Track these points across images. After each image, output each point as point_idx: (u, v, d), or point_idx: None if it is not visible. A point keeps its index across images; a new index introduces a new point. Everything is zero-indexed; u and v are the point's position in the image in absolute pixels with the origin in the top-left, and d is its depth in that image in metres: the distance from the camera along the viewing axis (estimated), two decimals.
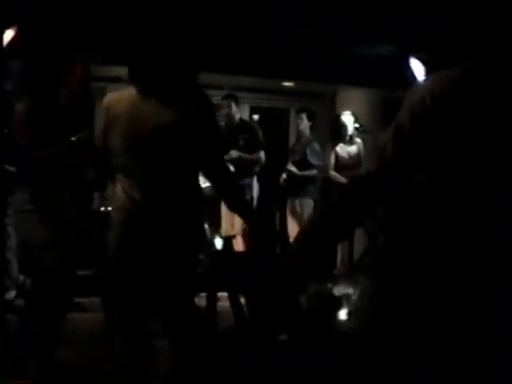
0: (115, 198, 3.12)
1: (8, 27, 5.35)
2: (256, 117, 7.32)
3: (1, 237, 4.42)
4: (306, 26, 6.86)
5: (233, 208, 3.57)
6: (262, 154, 7.31)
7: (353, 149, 7.94)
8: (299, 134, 7.99)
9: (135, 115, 3.02)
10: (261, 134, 7.30)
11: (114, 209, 3.18)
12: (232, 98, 7.49)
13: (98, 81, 8.40)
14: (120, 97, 3.16)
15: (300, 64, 7.89)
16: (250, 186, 7.20)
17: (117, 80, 7.67)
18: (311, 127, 7.90)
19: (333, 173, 7.83)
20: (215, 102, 6.83)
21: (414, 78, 7.56)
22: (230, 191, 3.35)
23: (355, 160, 7.89)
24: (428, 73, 7.49)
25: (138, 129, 3.00)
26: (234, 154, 7.05)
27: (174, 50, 3.11)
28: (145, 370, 3.09)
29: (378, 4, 6.34)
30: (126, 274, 3.06)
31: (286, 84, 9.39)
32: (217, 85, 8.63)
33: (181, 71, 3.13)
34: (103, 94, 9.04)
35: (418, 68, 7.57)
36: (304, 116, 7.88)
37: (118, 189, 3.09)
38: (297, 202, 7.78)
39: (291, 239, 7.93)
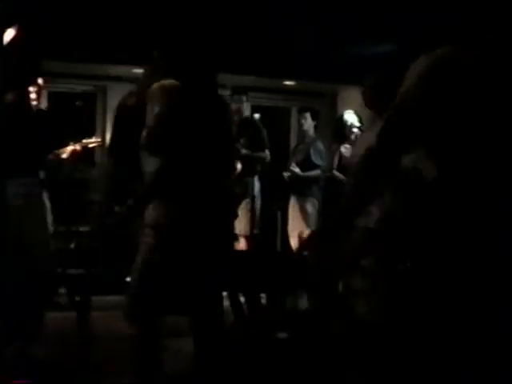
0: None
1: (8, 26, 5.36)
2: (257, 116, 7.30)
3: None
4: (307, 26, 6.86)
5: None
6: (268, 153, 7.34)
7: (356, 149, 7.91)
8: (303, 133, 7.97)
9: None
10: (265, 133, 7.30)
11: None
12: (244, 92, 7.49)
13: (99, 80, 8.44)
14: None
15: (301, 63, 7.88)
16: (252, 185, 7.19)
17: (118, 79, 7.67)
18: (315, 127, 7.90)
19: (336, 173, 7.80)
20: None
21: None
22: None
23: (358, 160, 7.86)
24: None
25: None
26: (242, 151, 7.07)
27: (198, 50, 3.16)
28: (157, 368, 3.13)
29: (379, 4, 6.33)
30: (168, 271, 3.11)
31: (287, 83, 9.38)
32: (219, 84, 8.63)
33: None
34: (104, 93, 9.12)
35: None
36: (308, 115, 7.86)
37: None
38: (300, 202, 7.78)
39: (291, 238, 7.95)
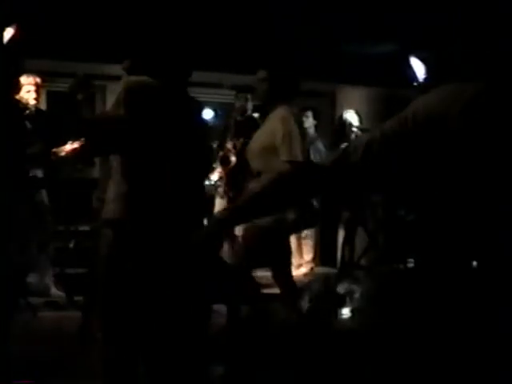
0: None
1: (8, 25, 5.36)
2: (256, 115, 7.29)
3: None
4: (306, 25, 6.86)
5: None
6: None
7: None
8: (304, 131, 7.97)
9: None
10: None
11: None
12: (250, 91, 7.46)
13: (98, 79, 8.42)
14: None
15: (300, 62, 7.89)
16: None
17: (118, 79, 7.65)
18: (316, 126, 7.92)
19: None
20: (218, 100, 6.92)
21: (414, 76, 7.57)
22: None
23: None
24: (428, 72, 7.50)
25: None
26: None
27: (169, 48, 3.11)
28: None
29: (379, 3, 6.34)
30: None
31: None
32: (216, 83, 8.63)
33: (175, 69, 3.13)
34: (103, 92, 9.10)
35: (418, 67, 7.57)
36: (310, 114, 7.89)
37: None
38: None
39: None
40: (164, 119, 2.97)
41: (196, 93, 9.49)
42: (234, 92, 7.39)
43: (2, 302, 3.74)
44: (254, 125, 7.43)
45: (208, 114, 7.44)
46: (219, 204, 6.83)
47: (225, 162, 6.80)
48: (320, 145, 7.82)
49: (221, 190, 6.81)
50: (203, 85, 8.75)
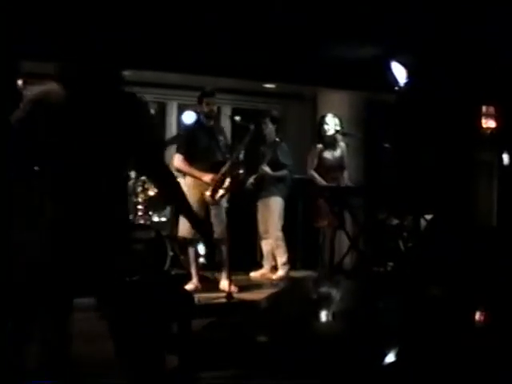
0: None
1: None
2: (238, 118, 7.29)
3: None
4: (288, 28, 6.88)
5: (179, 211, 3.62)
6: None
7: (337, 152, 8.02)
8: (264, 137, 8.09)
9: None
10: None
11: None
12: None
13: None
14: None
15: (281, 66, 7.91)
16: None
17: None
18: (276, 130, 8.09)
19: (311, 172, 7.90)
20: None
21: (395, 80, 7.61)
22: (174, 193, 3.35)
23: (339, 163, 7.98)
24: (409, 75, 7.56)
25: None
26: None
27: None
28: None
29: (360, 7, 6.37)
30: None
31: (268, 86, 9.39)
32: (198, 86, 8.62)
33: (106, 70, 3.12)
34: None
35: (399, 70, 7.63)
36: (267, 120, 8.07)
37: None
38: (267, 201, 7.88)
39: (264, 241, 8.01)
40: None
41: (178, 95, 9.54)
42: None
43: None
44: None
45: (190, 117, 7.41)
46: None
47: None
48: (285, 146, 8.09)
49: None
50: (185, 87, 8.78)
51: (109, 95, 3.06)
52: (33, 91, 3.06)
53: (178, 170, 6.74)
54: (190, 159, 6.79)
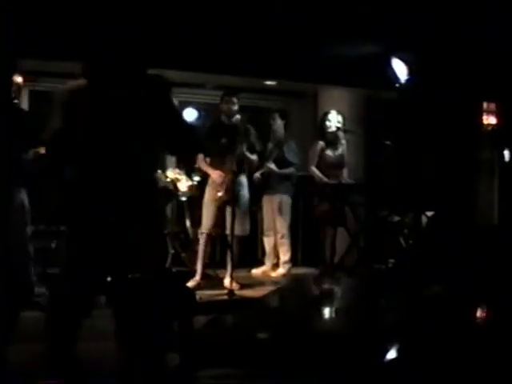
0: None
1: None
2: (238, 116, 7.27)
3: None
4: (288, 25, 6.87)
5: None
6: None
7: (338, 150, 8.02)
8: (273, 133, 8.07)
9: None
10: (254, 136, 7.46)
11: None
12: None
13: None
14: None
15: (282, 63, 7.91)
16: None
17: None
18: (285, 126, 8.01)
19: (312, 169, 7.90)
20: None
21: (396, 77, 7.62)
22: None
23: (339, 160, 7.99)
24: (410, 72, 7.56)
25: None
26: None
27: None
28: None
29: (362, 5, 6.37)
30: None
31: (268, 83, 9.39)
32: (199, 83, 8.63)
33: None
34: None
35: (399, 68, 7.63)
36: (276, 116, 8.00)
37: None
38: (274, 199, 7.86)
39: (266, 238, 8.01)
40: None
41: (179, 93, 9.57)
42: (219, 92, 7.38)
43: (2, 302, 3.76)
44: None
45: (191, 114, 7.42)
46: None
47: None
48: (292, 144, 8.02)
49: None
50: (186, 85, 8.77)
51: (133, 80, 3.15)
52: (62, 88, 3.16)
53: (199, 169, 6.84)
54: (209, 157, 6.85)
